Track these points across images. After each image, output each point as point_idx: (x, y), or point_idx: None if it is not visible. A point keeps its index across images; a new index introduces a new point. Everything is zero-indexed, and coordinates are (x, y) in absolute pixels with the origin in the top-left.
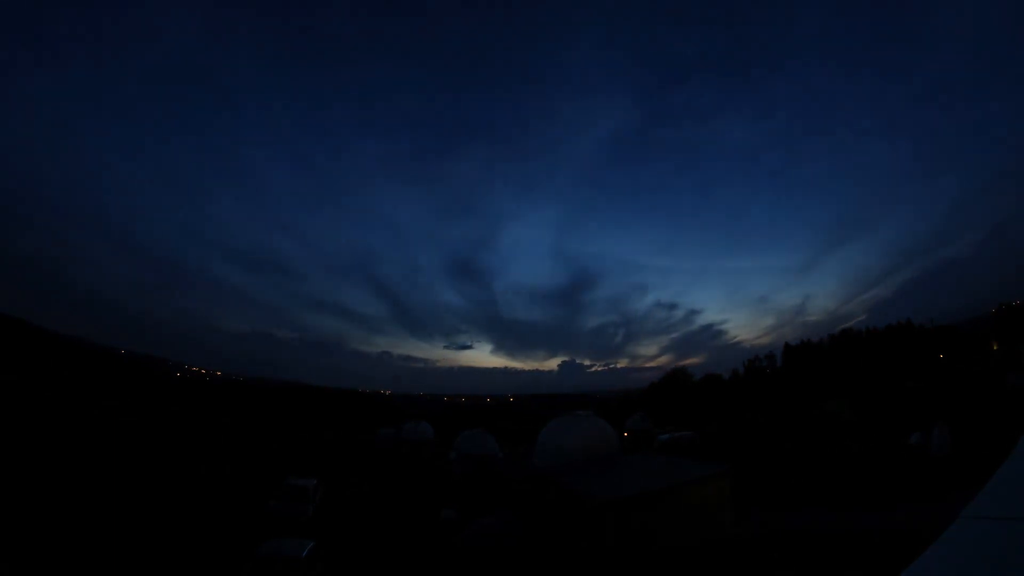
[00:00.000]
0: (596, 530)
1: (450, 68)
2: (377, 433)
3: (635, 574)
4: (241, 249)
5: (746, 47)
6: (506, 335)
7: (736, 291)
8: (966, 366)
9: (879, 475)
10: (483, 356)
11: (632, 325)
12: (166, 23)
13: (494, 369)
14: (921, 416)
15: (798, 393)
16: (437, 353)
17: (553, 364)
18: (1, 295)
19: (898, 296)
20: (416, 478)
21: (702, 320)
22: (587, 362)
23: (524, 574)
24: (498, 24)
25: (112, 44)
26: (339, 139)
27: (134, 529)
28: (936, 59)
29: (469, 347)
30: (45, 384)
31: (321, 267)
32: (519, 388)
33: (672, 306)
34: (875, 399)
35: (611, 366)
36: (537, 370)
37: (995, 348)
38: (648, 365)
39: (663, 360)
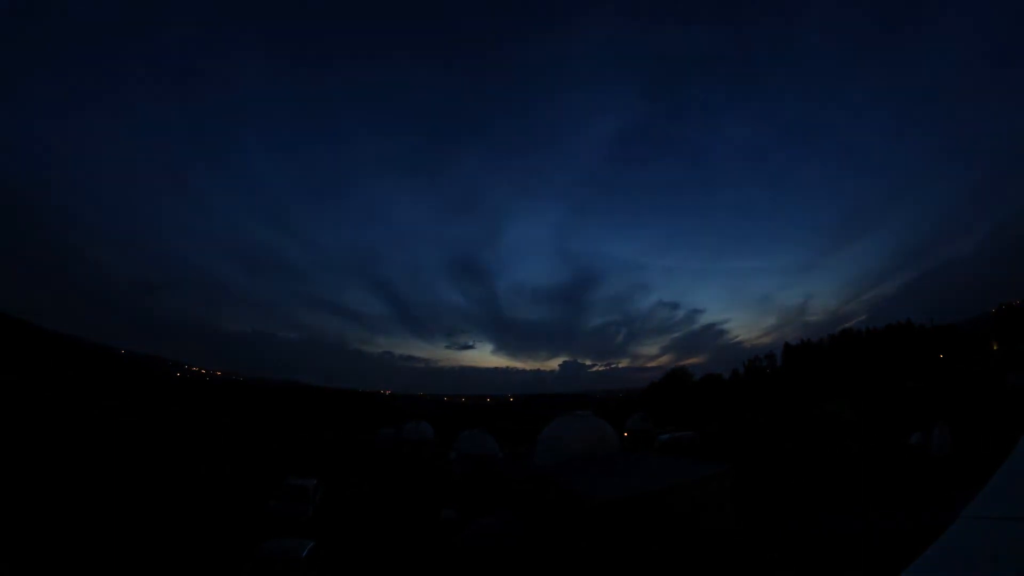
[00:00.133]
0: (596, 530)
1: (453, 64)
2: (377, 433)
3: (635, 574)
4: (241, 248)
5: (753, 43)
6: (508, 335)
7: (738, 290)
8: (966, 366)
9: (879, 475)
10: (484, 356)
11: (634, 324)
12: (165, 19)
13: (495, 369)
14: (921, 416)
15: (798, 393)
16: (438, 353)
17: (554, 364)
18: (1, 295)
19: (900, 295)
20: (416, 478)
21: (704, 320)
22: (588, 362)
23: (524, 574)
24: (502, 20)
25: (110, 40)
26: (340, 136)
27: (134, 529)
28: (940, 59)
29: (471, 347)
30: (45, 384)
31: (322, 266)
32: (519, 388)
33: (674, 305)
34: (875, 399)
35: (612, 366)
36: (539, 370)
37: (995, 348)
38: (649, 365)
39: (664, 360)
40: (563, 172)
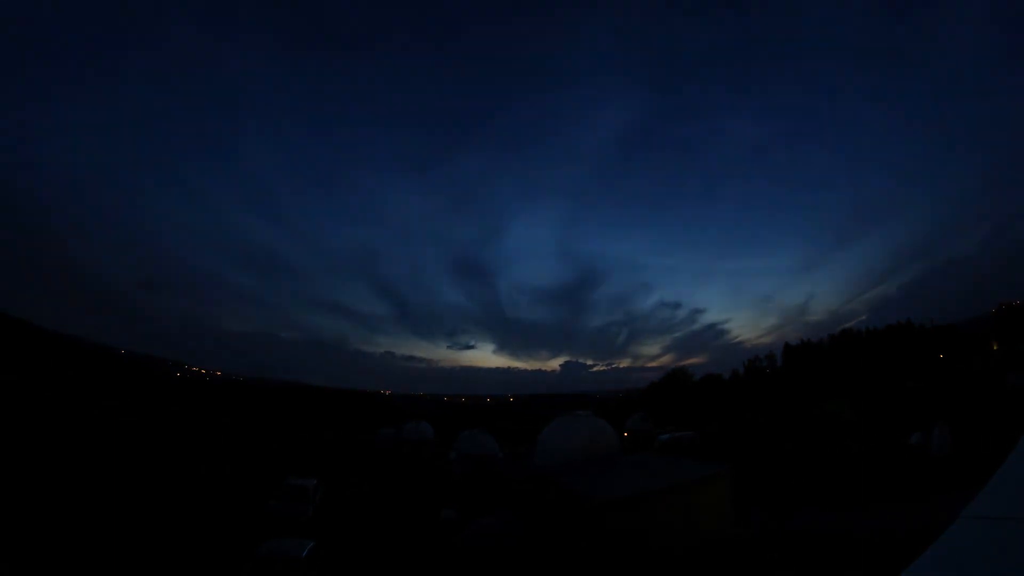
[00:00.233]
0: (596, 530)
1: (455, 63)
2: (377, 433)
3: (635, 574)
4: (242, 247)
5: (756, 42)
6: (509, 335)
7: (740, 290)
8: (966, 366)
9: (879, 475)
10: (486, 356)
11: (635, 324)
12: (167, 18)
13: (496, 369)
14: (921, 416)
15: (798, 393)
16: (440, 353)
17: (555, 364)
18: (1, 295)
19: (901, 295)
20: (416, 478)
21: (705, 320)
22: (589, 362)
23: (524, 574)
24: (504, 17)
25: (111, 39)
26: (342, 136)
27: (134, 529)
28: (943, 59)
29: (472, 347)
30: (45, 384)
31: (323, 266)
32: (520, 388)
33: (676, 305)
34: (875, 399)
35: (613, 366)
36: (540, 370)
37: (995, 348)
38: (650, 365)
39: (665, 360)
40: (566, 171)
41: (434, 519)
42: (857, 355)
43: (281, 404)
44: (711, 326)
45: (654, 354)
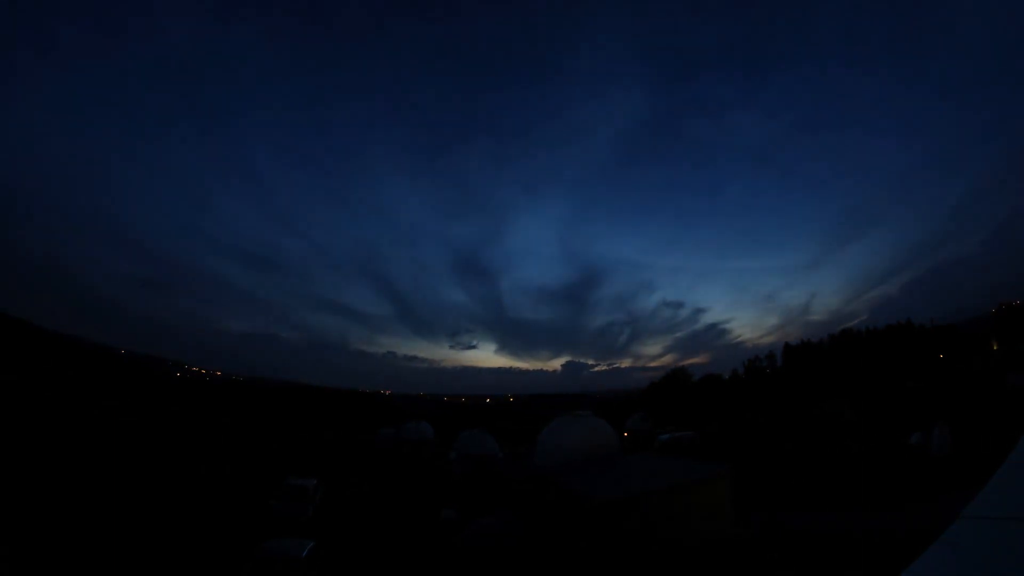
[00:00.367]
0: (596, 530)
1: (458, 61)
2: (377, 433)
3: (635, 574)
4: (243, 247)
5: (761, 40)
6: (511, 334)
7: (742, 289)
8: (966, 366)
9: (879, 475)
10: (487, 356)
11: (638, 324)
12: (167, 17)
13: (497, 369)
14: (921, 416)
15: (798, 393)
16: (441, 353)
17: (557, 364)
18: (1, 295)
19: (901, 295)
20: (416, 478)
21: (707, 319)
22: (590, 361)
23: (524, 574)
24: (507, 16)
25: (112, 39)
26: (344, 134)
27: (135, 529)
28: (946, 59)
29: (474, 347)
30: (45, 384)
31: (324, 265)
32: (520, 388)
33: (678, 305)
34: (875, 399)
35: (614, 366)
36: (541, 370)
37: (995, 348)
38: (651, 365)
39: (666, 360)
40: (569, 169)
41: (434, 519)
42: (857, 355)
43: (281, 404)
44: (713, 326)
45: (655, 354)
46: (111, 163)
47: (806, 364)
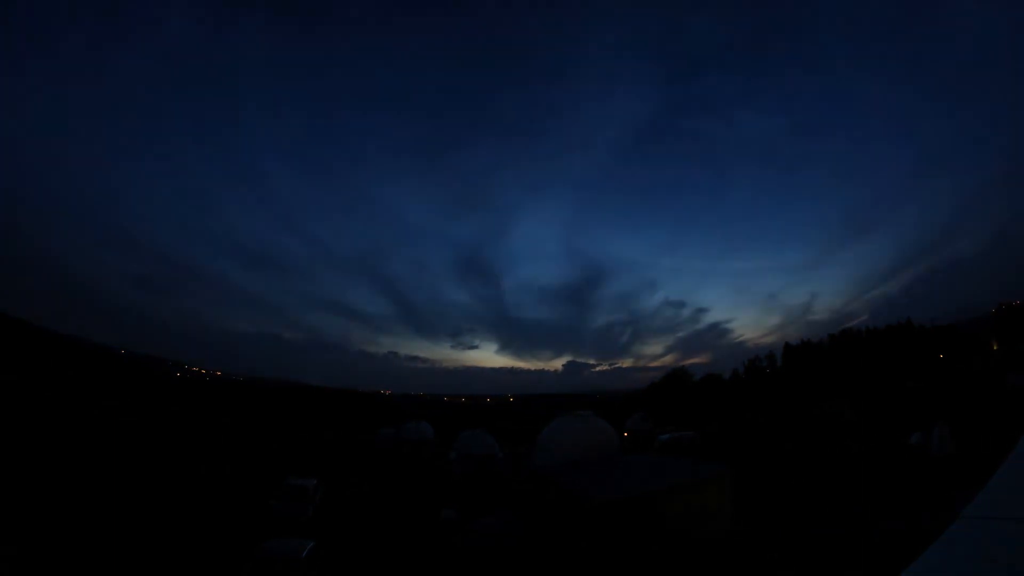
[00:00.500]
0: (596, 530)
1: (461, 58)
2: (377, 433)
3: (635, 574)
4: (243, 247)
5: (770, 32)
6: (512, 334)
7: (744, 289)
8: (966, 366)
9: (879, 475)
10: (488, 356)
11: (640, 323)
12: (169, 17)
13: (498, 369)
14: (921, 416)
15: (798, 393)
16: (443, 353)
17: (558, 364)
18: (1, 295)
19: (902, 295)
20: (416, 478)
21: (709, 319)
22: (592, 361)
23: (524, 574)
24: (509, 15)
25: (114, 40)
26: (345, 132)
27: (135, 529)
28: (947, 59)
29: (475, 347)
30: (45, 384)
31: (326, 265)
32: (521, 388)
33: (680, 304)
34: (875, 399)
35: (615, 366)
36: (543, 370)
37: (995, 348)
38: (652, 365)
39: (668, 359)
40: (572, 168)
41: (434, 519)
42: (857, 355)
43: (281, 404)
44: (714, 325)
45: (657, 354)
46: (111, 163)
47: (806, 364)
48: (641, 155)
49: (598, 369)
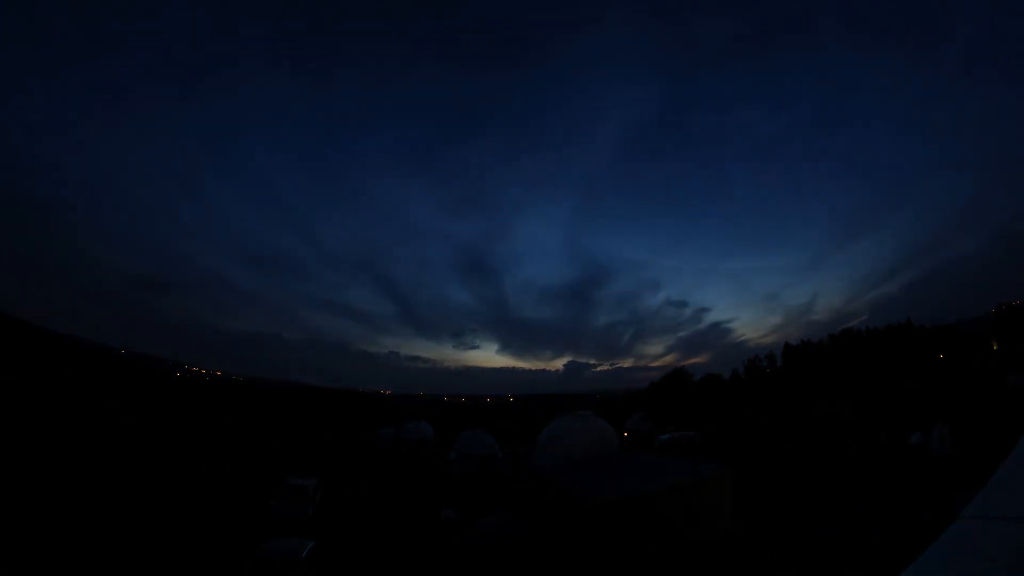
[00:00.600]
0: (596, 530)
1: (463, 55)
2: (377, 433)
3: (635, 574)
4: (244, 247)
5: (772, 33)
6: (514, 334)
7: (745, 289)
8: (966, 366)
9: (879, 475)
10: (489, 356)
11: (641, 323)
12: (167, 15)
13: (498, 369)
14: (921, 416)
15: (798, 393)
16: (445, 353)
17: (559, 364)
18: (1, 295)
19: (902, 295)
20: (416, 478)
21: (710, 319)
22: (592, 361)
23: (524, 574)
24: (512, 15)
25: (112, 37)
26: (346, 131)
27: (135, 529)
28: (948, 58)
29: (476, 347)
30: (45, 384)
31: (327, 265)
32: (521, 388)
33: (681, 304)
34: (875, 399)
35: (616, 366)
36: (543, 370)
37: (995, 348)
38: (653, 365)
39: (668, 359)
40: (575, 167)
41: (434, 519)
42: (857, 355)
43: (281, 404)
44: (716, 325)
45: (658, 353)
46: (111, 163)
47: (806, 364)
48: (643, 154)
49: (598, 369)
